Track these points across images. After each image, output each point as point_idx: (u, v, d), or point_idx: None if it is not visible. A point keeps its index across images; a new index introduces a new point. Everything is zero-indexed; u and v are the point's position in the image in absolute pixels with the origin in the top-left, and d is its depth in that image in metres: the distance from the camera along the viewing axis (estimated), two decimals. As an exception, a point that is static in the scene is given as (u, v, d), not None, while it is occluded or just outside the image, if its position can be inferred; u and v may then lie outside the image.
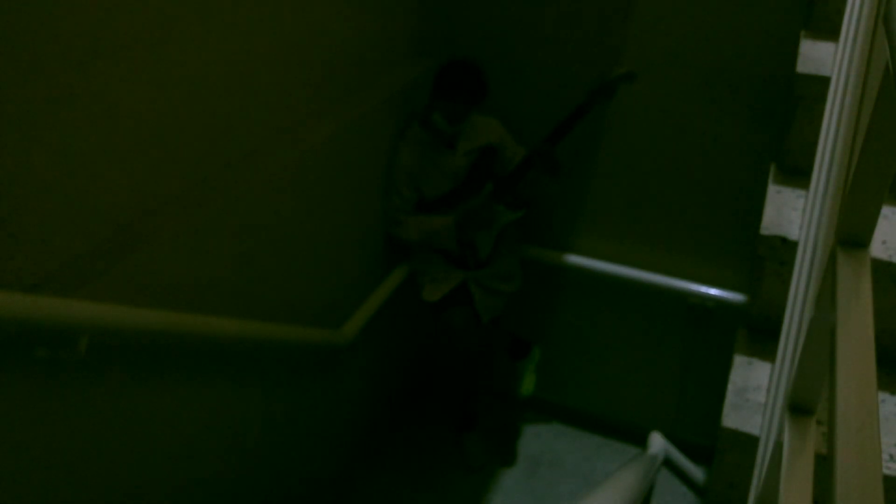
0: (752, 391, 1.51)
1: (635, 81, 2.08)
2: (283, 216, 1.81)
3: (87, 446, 1.35)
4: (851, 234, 0.87)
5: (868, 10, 1.17)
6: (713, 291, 2.37)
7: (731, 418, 1.45)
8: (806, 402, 1.01)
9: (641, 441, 2.70)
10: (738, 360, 1.60)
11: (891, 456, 1.19)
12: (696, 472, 2.60)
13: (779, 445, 1.02)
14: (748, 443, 1.41)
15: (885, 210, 1.48)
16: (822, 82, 1.56)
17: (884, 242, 1.37)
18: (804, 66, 1.66)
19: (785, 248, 1.51)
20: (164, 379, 1.51)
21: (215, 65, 1.49)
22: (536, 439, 2.82)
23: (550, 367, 2.68)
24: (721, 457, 1.51)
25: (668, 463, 2.66)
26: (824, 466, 0.72)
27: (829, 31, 1.80)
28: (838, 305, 0.80)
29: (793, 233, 1.52)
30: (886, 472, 1.17)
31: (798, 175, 1.74)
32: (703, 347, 2.52)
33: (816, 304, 0.94)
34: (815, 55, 1.71)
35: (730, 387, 1.53)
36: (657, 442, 2.64)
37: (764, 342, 1.63)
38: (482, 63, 2.20)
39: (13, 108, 1.09)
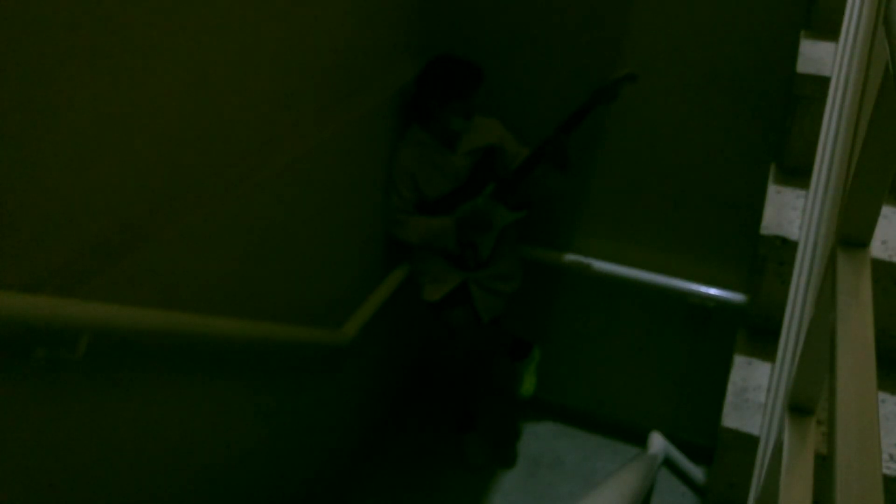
0: (752, 391, 1.51)
1: (636, 82, 2.08)
2: (284, 216, 1.81)
3: (87, 446, 1.35)
4: (851, 234, 0.87)
5: (868, 11, 1.17)
6: (713, 291, 2.36)
7: (731, 418, 1.45)
8: (806, 402, 1.01)
9: (641, 441, 2.69)
10: (738, 360, 1.60)
11: (891, 456, 1.19)
12: (696, 472, 2.60)
13: (779, 445, 1.02)
14: (748, 443, 1.41)
15: (885, 210, 1.48)
16: (822, 82, 1.56)
17: (884, 242, 1.37)
18: (804, 66, 1.66)
19: (785, 248, 1.51)
20: (165, 379, 1.51)
21: (215, 65, 1.49)
22: (536, 439, 2.82)
23: (550, 368, 2.68)
24: (721, 457, 1.51)
25: (668, 463, 2.66)
26: (824, 466, 0.72)
27: (829, 31, 1.80)
28: (838, 305, 0.80)
29: (793, 233, 1.52)
30: (886, 472, 1.17)
31: (798, 175, 1.74)
32: (703, 347, 2.52)
33: (816, 304, 0.93)
34: (815, 55, 1.71)
35: (730, 387, 1.52)
36: (657, 442, 2.64)
37: (764, 342, 1.63)
38: (481, 63, 2.20)
39: (13, 108, 1.09)
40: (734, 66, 2.07)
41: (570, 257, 2.53)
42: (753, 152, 2.14)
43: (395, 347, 2.78)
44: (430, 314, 2.42)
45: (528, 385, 2.51)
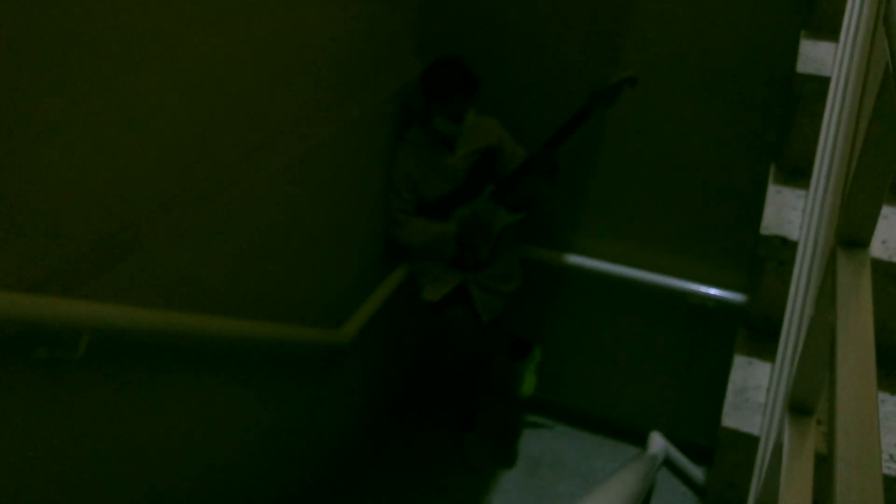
0: (752, 391, 1.51)
1: (637, 85, 2.08)
2: (284, 216, 1.81)
3: (87, 446, 1.35)
4: (851, 234, 0.87)
5: (868, 11, 1.17)
6: (713, 291, 2.36)
7: (731, 418, 1.45)
8: (806, 402, 1.01)
9: (641, 441, 2.69)
10: (738, 360, 1.60)
11: (891, 456, 1.19)
12: (696, 472, 2.60)
13: (779, 445, 1.02)
14: (748, 443, 1.41)
15: (885, 210, 1.48)
16: (822, 82, 1.56)
17: (884, 242, 1.37)
18: (804, 66, 1.66)
19: (785, 248, 1.51)
20: (164, 379, 1.51)
21: (215, 65, 1.49)
22: (536, 439, 2.82)
23: (550, 367, 2.68)
24: (721, 457, 1.51)
25: (668, 463, 2.66)
26: (824, 466, 0.72)
27: (829, 31, 1.80)
28: (838, 305, 0.80)
29: (793, 233, 1.52)
30: (886, 472, 1.17)
31: (798, 175, 1.74)
32: (703, 347, 2.52)
33: (816, 304, 0.93)
34: (815, 55, 1.71)
35: (730, 387, 1.53)
36: (657, 442, 2.64)
37: (764, 342, 1.63)
38: (481, 63, 2.20)
39: (14, 109, 1.09)
40: (734, 67, 2.07)
41: (570, 257, 2.53)
42: (753, 152, 2.14)
43: (394, 347, 2.78)
44: (429, 314, 2.42)
45: (528, 385, 2.50)
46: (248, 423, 1.89)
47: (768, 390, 1.30)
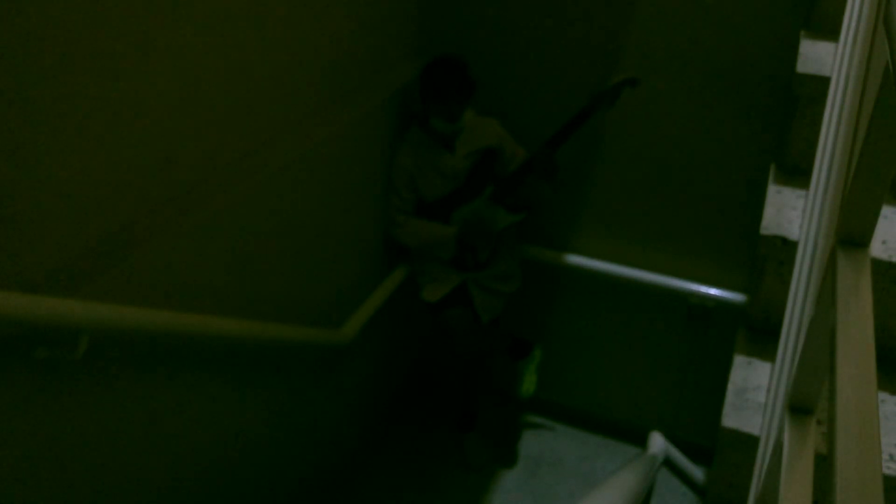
0: (752, 391, 1.51)
1: (637, 86, 2.08)
2: (284, 216, 1.81)
3: (87, 446, 1.35)
4: (851, 234, 0.87)
5: (868, 11, 1.17)
6: (713, 291, 2.36)
7: (731, 418, 1.45)
8: (806, 402, 1.01)
9: (641, 441, 2.69)
10: (738, 360, 1.60)
11: (891, 456, 1.19)
12: (696, 472, 2.60)
13: (779, 445, 1.02)
14: (748, 443, 1.41)
15: (885, 210, 1.48)
16: (822, 82, 1.56)
17: (884, 242, 1.37)
18: (804, 66, 1.66)
19: (785, 248, 1.51)
20: (164, 379, 1.51)
21: (215, 65, 1.49)
22: (536, 439, 2.82)
23: (550, 367, 2.68)
24: (721, 457, 1.51)
25: (668, 463, 2.66)
26: (824, 466, 0.72)
27: (829, 31, 1.80)
28: (838, 305, 0.80)
29: (793, 233, 1.52)
30: (886, 472, 1.17)
31: (798, 175, 1.74)
32: (703, 347, 2.52)
33: (816, 304, 0.93)
34: (815, 55, 1.71)
35: (730, 387, 1.53)
36: (657, 442, 2.64)
37: (764, 342, 1.63)
38: (481, 63, 2.20)
39: (14, 109, 1.09)
40: (734, 66, 2.07)
41: (570, 257, 2.53)
42: (753, 152, 2.14)
43: (394, 347, 2.78)
44: (429, 314, 2.42)
45: (529, 385, 2.50)
46: (249, 423, 1.89)
47: (768, 390, 1.30)
